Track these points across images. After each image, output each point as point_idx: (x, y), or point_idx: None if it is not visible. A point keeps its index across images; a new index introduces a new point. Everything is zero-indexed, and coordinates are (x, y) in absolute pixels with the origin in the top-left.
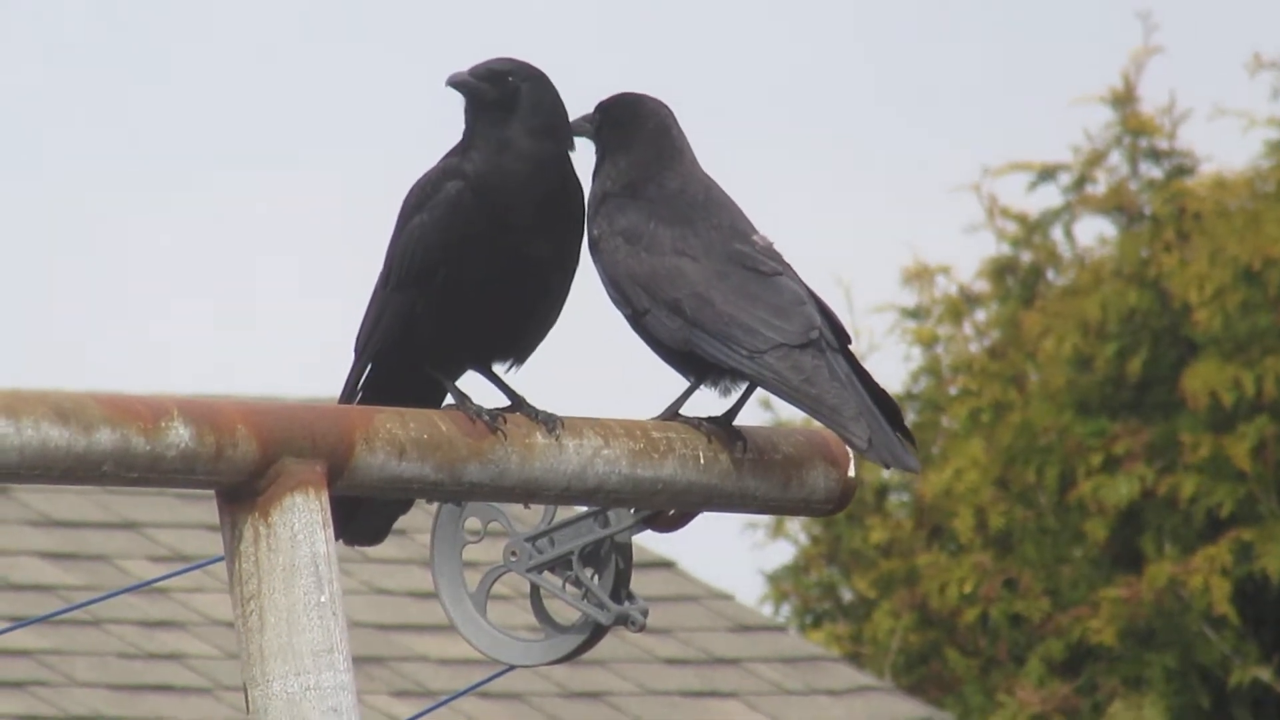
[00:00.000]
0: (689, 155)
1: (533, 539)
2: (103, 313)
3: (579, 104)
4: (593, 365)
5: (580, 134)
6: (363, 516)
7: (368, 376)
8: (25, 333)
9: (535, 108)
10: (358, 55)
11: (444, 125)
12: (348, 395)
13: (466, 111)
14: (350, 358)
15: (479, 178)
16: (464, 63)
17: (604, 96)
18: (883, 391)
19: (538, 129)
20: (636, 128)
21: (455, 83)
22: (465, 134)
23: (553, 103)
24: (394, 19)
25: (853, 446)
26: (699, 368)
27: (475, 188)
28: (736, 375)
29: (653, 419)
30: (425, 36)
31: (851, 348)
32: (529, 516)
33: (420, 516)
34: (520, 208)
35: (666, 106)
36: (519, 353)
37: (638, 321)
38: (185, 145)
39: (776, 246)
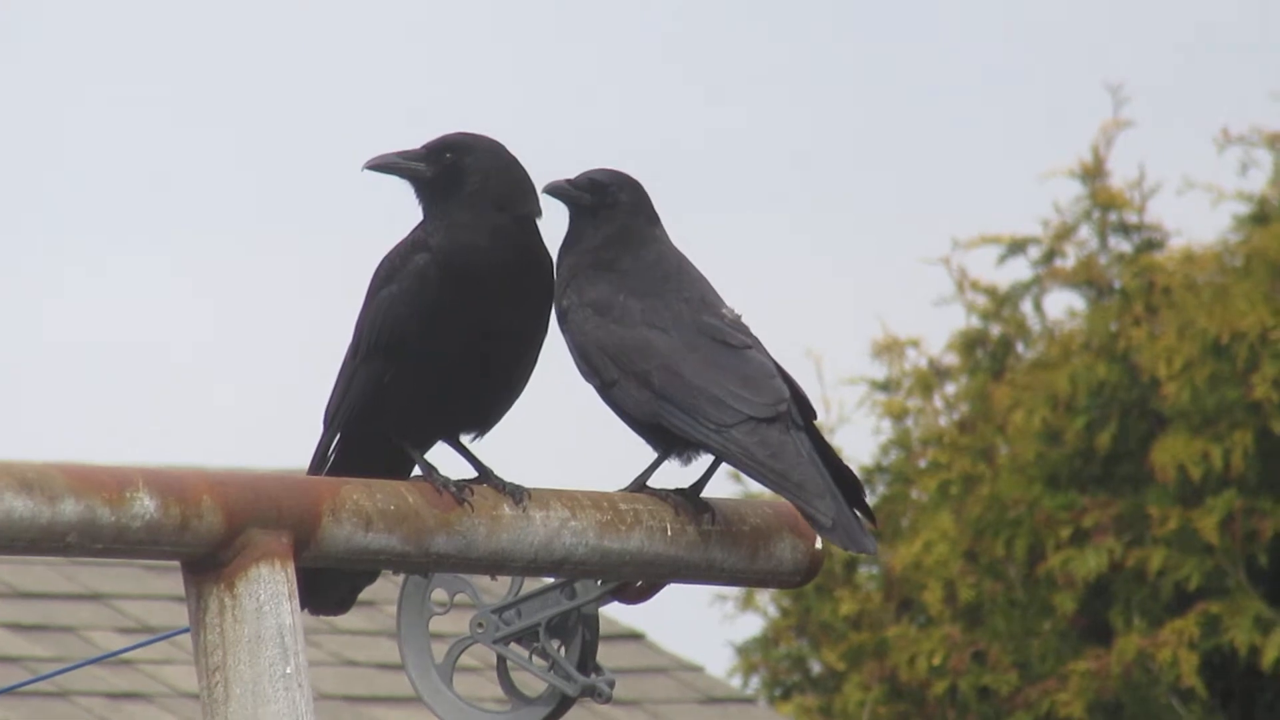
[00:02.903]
0: (661, 231)
1: (499, 610)
2: (67, 381)
3: (540, 174)
4: (561, 436)
5: (563, 197)
6: (327, 586)
7: (336, 447)
8: None
9: (487, 181)
10: (323, 124)
11: (407, 197)
12: (316, 466)
13: (415, 190)
14: (320, 429)
15: (443, 251)
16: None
17: (577, 171)
18: (845, 468)
19: (495, 202)
20: (611, 203)
21: (382, 166)
22: (425, 210)
23: (510, 173)
24: (351, 95)
25: (816, 525)
26: (666, 439)
27: (440, 261)
28: (704, 448)
29: (620, 490)
30: (386, 109)
31: (820, 421)
32: (496, 588)
33: (388, 588)
34: (486, 280)
35: (640, 183)
36: (484, 423)
37: (606, 392)
38: (148, 210)
39: (745, 321)
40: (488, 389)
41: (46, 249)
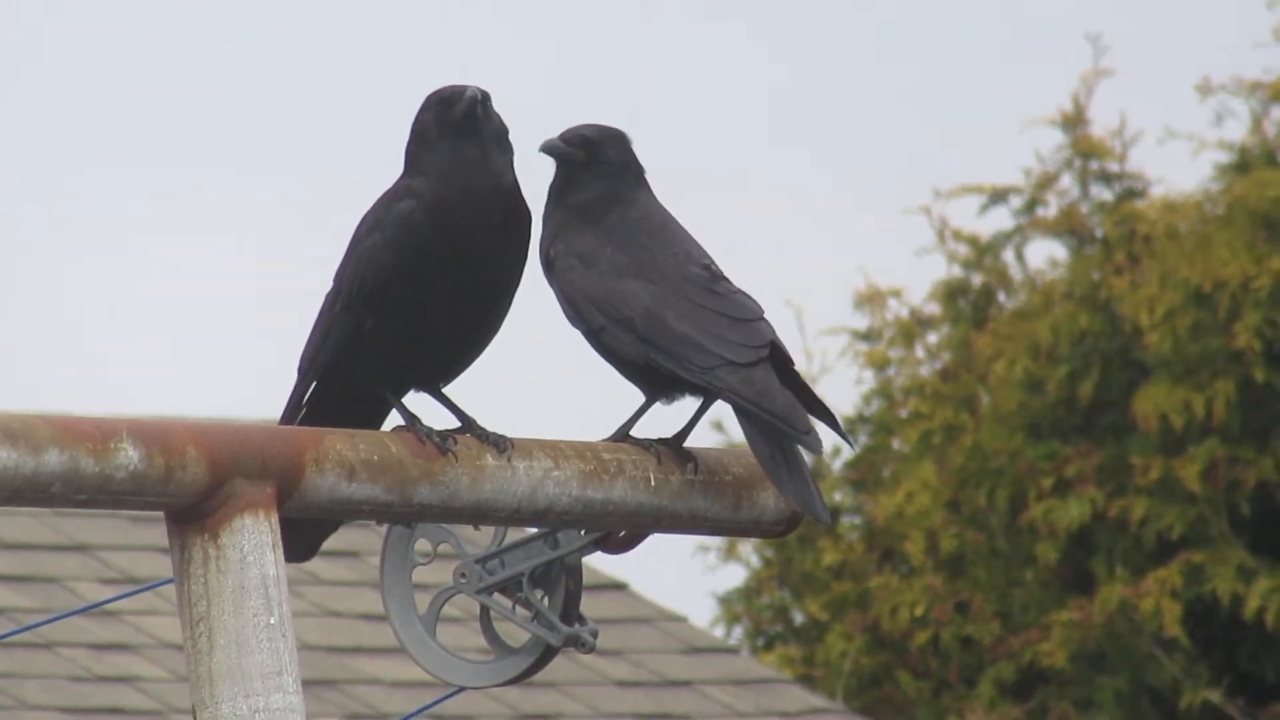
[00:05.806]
0: (647, 187)
1: (483, 561)
2: (48, 336)
3: (526, 132)
4: (542, 386)
5: (558, 156)
6: (293, 533)
7: (311, 395)
8: None
9: (497, 130)
10: (302, 81)
11: (390, 148)
12: (290, 413)
13: (427, 132)
14: (294, 378)
15: (433, 197)
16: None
17: (568, 125)
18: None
19: (495, 150)
20: (599, 157)
21: (471, 97)
22: (415, 155)
23: (504, 125)
24: (351, 43)
25: (809, 449)
26: (655, 382)
27: (428, 207)
28: (692, 389)
29: (603, 440)
30: (378, 54)
31: (801, 371)
32: (479, 538)
33: (372, 538)
34: (472, 228)
35: (626, 138)
36: (456, 371)
37: (595, 338)
38: (142, 161)
39: (730, 275)
40: (465, 338)
41: (47, 204)
